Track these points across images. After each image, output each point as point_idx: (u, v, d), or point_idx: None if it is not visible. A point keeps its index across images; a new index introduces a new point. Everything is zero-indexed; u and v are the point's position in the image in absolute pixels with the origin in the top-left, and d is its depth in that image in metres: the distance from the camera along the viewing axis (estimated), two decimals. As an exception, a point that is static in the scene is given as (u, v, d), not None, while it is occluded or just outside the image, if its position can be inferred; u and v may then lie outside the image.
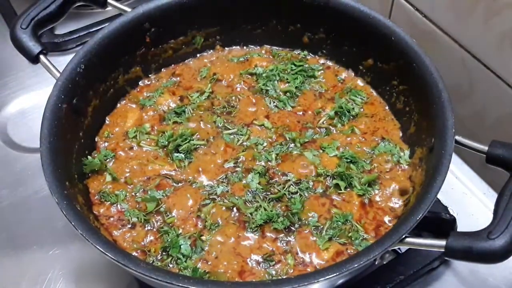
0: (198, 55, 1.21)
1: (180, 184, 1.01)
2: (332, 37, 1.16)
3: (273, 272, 0.90)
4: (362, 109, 1.11)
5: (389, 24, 1.04)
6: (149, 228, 0.96)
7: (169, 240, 0.93)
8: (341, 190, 0.99)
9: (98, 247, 0.79)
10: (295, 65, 1.18)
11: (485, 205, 1.12)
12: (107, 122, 1.10)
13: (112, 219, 0.97)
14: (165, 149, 1.05)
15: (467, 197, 1.14)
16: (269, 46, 1.22)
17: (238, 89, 1.15)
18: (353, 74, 1.16)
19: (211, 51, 1.21)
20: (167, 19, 1.11)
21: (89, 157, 1.03)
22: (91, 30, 1.40)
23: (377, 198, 0.98)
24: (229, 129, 1.08)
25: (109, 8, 1.15)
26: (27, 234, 1.09)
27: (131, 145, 1.06)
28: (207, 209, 0.97)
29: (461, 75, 1.26)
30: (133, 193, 1.00)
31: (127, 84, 1.14)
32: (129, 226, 0.96)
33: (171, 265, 0.91)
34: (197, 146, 1.05)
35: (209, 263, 0.91)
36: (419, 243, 0.81)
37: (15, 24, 1.03)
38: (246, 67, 1.18)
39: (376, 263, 1.00)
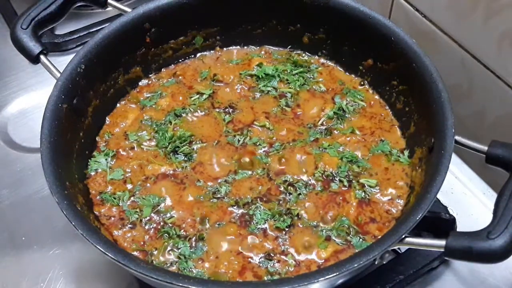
0: (198, 55, 1.21)
1: (180, 184, 1.01)
2: (332, 37, 1.16)
3: (273, 272, 0.90)
4: (361, 109, 1.11)
5: (389, 24, 1.04)
6: (149, 228, 0.96)
7: (169, 240, 0.93)
8: (340, 189, 0.99)
9: (99, 247, 0.79)
10: (295, 65, 1.18)
11: (484, 205, 1.12)
12: (107, 122, 1.10)
13: (113, 219, 0.97)
14: (164, 149, 1.05)
15: (466, 197, 1.14)
16: (268, 47, 1.22)
17: (238, 90, 1.15)
18: (353, 74, 1.16)
19: (211, 51, 1.21)
20: (167, 19, 1.11)
21: (93, 158, 1.04)
22: (91, 30, 1.40)
23: (376, 198, 0.99)
24: (230, 130, 1.09)
25: (109, 8, 1.15)
26: (27, 234, 1.09)
27: (132, 145, 1.07)
28: (209, 209, 0.97)
29: (461, 75, 1.26)
30: (133, 193, 1.00)
31: (127, 84, 1.14)
32: (130, 226, 0.96)
33: (171, 265, 0.91)
34: (197, 148, 1.06)
35: (209, 263, 0.91)
36: (418, 243, 0.81)
37: (16, 24, 1.03)
38: (245, 68, 1.18)
39: (376, 263, 1.00)
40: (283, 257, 0.92)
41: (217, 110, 1.12)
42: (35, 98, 1.31)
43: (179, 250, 0.92)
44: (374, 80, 1.13)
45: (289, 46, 1.21)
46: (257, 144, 1.06)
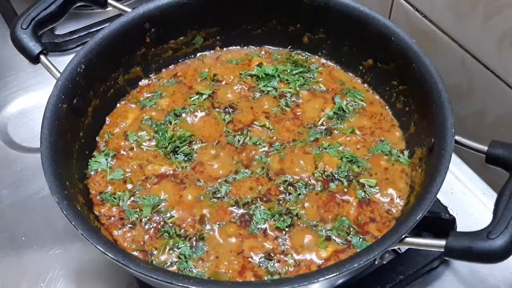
0: (198, 54, 1.21)
1: (180, 184, 1.01)
2: (332, 37, 1.16)
3: (273, 271, 0.90)
4: (361, 109, 1.11)
5: (389, 24, 1.04)
6: (149, 228, 0.96)
7: (169, 240, 0.93)
8: (340, 189, 0.99)
9: (99, 247, 0.79)
10: (295, 65, 1.18)
11: (484, 205, 1.12)
12: (107, 122, 1.10)
13: (113, 218, 0.97)
14: (164, 149, 1.05)
15: (466, 197, 1.14)
16: (268, 47, 1.22)
17: (238, 90, 1.15)
18: (353, 75, 1.16)
19: (211, 51, 1.21)
20: (167, 19, 1.12)
21: (93, 158, 1.04)
22: (91, 30, 1.40)
23: (376, 198, 0.99)
24: (230, 130, 1.09)
25: (109, 8, 1.15)
26: (27, 234, 1.09)
27: (132, 145, 1.07)
28: (209, 209, 0.97)
29: (461, 75, 1.26)
30: (133, 193, 1.00)
31: (127, 84, 1.14)
32: (130, 226, 0.96)
33: (171, 265, 0.91)
34: (197, 148, 1.06)
35: (209, 263, 0.91)
36: (419, 243, 0.81)
37: (16, 24, 1.03)
38: (245, 68, 1.18)
39: (376, 263, 1.00)
40: (283, 257, 0.92)
41: (217, 110, 1.12)
42: (35, 98, 1.31)
43: (179, 250, 0.93)
44: (374, 80, 1.13)
45: (289, 46, 1.21)
46: (257, 144, 1.06)
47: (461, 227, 1.00)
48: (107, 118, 1.11)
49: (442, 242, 0.77)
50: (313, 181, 1.01)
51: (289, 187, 1.00)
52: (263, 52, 1.22)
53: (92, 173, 1.03)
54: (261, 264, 0.91)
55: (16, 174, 1.19)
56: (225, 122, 1.10)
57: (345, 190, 0.99)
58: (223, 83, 1.17)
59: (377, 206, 0.98)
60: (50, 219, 1.09)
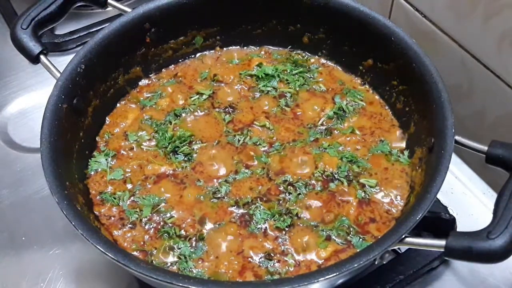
0: (198, 55, 1.21)
1: (180, 184, 1.01)
2: (332, 37, 1.16)
3: (273, 271, 0.90)
4: (361, 109, 1.11)
5: (389, 24, 1.04)
6: (149, 228, 0.96)
7: (169, 240, 0.93)
8: (340, 189, 0.99)
9: (99, 247, 0.79)
10: (295, 65, 1.18)
11: (484, 205, 1.12)
12: (107, 122, 1.10)
13: (113, 218, 0.97)
14: (164, 149, 1.05)
15: (466, 197, 1.14)
16: (268, 47, 1.22)
17: (238, 90, 1.15)
18: (353, 75, 1.16)
19: (211, 51, 1.21)
20: (167, 19, 1.12)
21: (93, 158, 1.04)
22: (91, 30, 1.40)
23: (376, 198, 0.98)
24: (230, 130, 1.09)
25: (109, 8, 1.15)
26: (27, 234, 1.09)
27: (132, 145, 1.07)
28: (209, 209, 0.97)
29: (461, 75, 1.26)
30: (133, 193, 1.00)
31: (127, 84, 1.14)
32: (130, 226, 0.96)
33: (171, 265, 0.91)
34: (197, 148, 1.06)
35: (209, 263, 0.91)
36: (418, 243, 0.81)
37: (16, 24, 1.03)
38: (245, 68, 1.18)
39: (376, 263, 1.00)
40: (283, 257, 0.92)
41: (217, 110, 1.12)
42: (35, 98, 1.31)
43: (179, 250, 0.93)
44: (374, 80, 1.13)
45: (289, 46, 1.21)
46: (257, 144, 1.06)
47: (461, 227, 1.00)
48: (107, 118, 1.11)
49: (442, 242, 0.77)
50: (313, 181, 1.01)
51: (289, 187, 1.00)
52: (263, 52, 1.22)
53: (92, 173, 1.03)
54: (261, 264, 0.91)
55: (16, 174, 1.19)
56: (225, 122, 1.10)
57: (345, 190, 0.99)
58: (223, 83, 1.17)
59: (377, 206, 0.98)
60: (50, 219, 1.09)
